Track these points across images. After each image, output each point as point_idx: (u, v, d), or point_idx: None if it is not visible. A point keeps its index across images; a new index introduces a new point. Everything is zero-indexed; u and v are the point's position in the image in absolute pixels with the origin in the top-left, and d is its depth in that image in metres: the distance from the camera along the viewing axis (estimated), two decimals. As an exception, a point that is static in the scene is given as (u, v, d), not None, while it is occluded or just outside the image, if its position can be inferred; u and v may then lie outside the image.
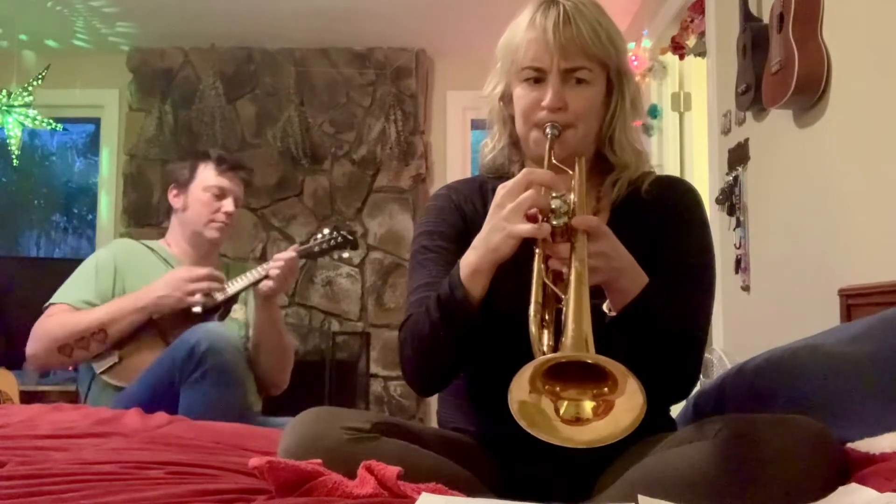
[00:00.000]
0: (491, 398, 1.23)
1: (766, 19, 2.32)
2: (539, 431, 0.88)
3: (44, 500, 0.89)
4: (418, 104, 4.75)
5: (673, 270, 1.20)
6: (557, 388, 0.90)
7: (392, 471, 0.92)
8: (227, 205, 2.25)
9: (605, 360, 0.86)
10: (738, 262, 2.62)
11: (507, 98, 1.29)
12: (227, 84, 4.67)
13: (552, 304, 1.02)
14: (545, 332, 0.99)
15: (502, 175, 1.32)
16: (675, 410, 1.43)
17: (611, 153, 1.29)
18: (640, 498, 0.88)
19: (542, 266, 1.03)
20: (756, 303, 2.55)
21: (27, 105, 4.19)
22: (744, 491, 0.93)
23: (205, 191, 2.24)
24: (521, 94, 1.24)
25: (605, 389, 0.89)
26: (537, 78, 1.22)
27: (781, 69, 2.12)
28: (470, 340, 1.17)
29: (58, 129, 4.40)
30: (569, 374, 0.90)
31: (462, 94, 4.75)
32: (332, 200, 4.65)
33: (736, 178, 2.64)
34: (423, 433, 1.16)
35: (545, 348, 0.98)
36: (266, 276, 2.13)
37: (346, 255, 2.30)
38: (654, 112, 3.71)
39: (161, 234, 2.38)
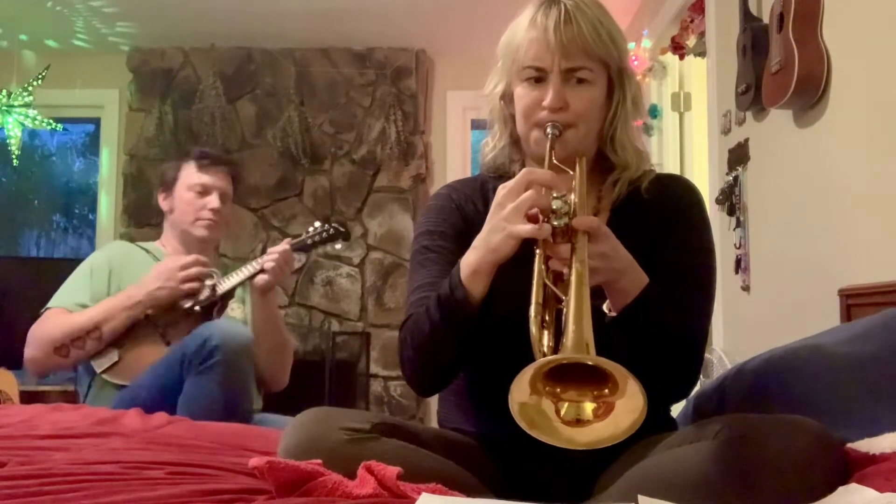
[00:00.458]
0: (491, 398, 1.23)
1: (766, 19, 2.32)
2: (539, 433, 0.88)
3: (44, 500, 0.89)
4: (418, 104, 4.75)
5: (673, 270, 1.20)
6: (558, 390, 0.90)
7: (392, 471, 0.92)
8: (212, 201, 2.23)
9: (605, 362, 0.86)
10: (738, 262, 2.62)
11: (507, 97, 1.29)
12: (227, 84, 4.67)
13: (552, 304, 1.02)
14: (545, 332, 0.99)
15: (503, 174, 1.32)
16: (676, 410, 1.42)
17: (612, 153, 1.29)
18: (640, 498, 0.88)
19: (543, 267, 1.03)
20: (756, 303, 2.55)
21: (27, 105, 4.19)
22: (744, 491, 0.93)
23: (188, 190, 2.24)
24: (522, 94, 1.24)
25: (606, 391, 0.89)
26: (538, 77, 1.22)
27: (781, 69, 2.12)
28: (470, 341, 1.17)
29: (58, 129, 4.40)
30: (569, 376, 0.90)
31: (462, 94, 4.75)
32: (332, 200, 4.65)
33: (736, 178, 2.64)
34: (423, 433, 1.16)
35: (545, 349, 0.98)
36: (262, 270, 2.13)
37: (338, 246, 2.31)
38: (654, 112, 3.71)
39: (161, 233, 2.38)
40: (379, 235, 4.67)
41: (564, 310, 0.97)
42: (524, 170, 1.11)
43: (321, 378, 4.20)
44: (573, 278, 0.98)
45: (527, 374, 0.87)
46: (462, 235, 1.27)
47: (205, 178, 2.24)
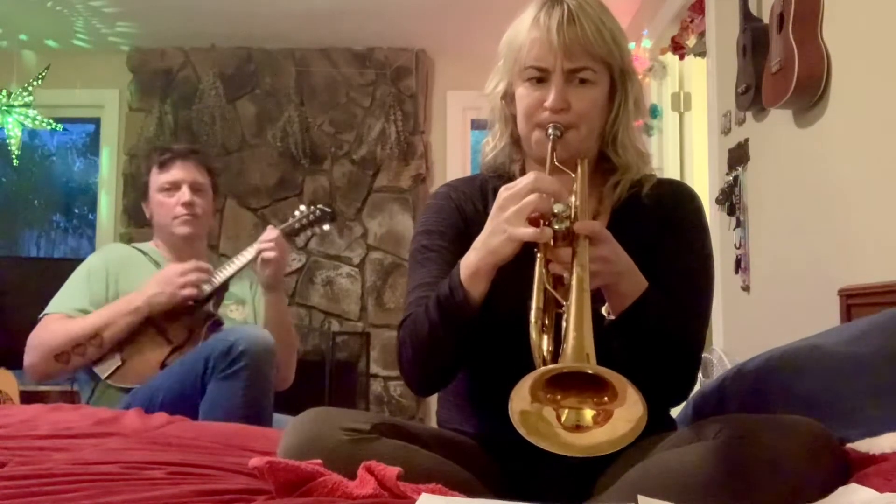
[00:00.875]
0: (491, 399, 1.23)
1: (766, 19, 2.32)
2: (540, 439, 0.88)
3: (44, 500, 0.89)
4: (418, 104, 4.75)
5: (672, 275, 1.20)
6: (558, 396, 0.90)
7: (392, 471, 0.92)
8: (182, 195, 2.21)
9: (605, 372, 0.86)
10: (738, 262, 2.62)
11: (508, 97, 1.28)
12: (227, 84, 4.67)
13: (552, 308, 1.02)
14: (545, 337, 0.99)
15: (503, 174, 1.32)
16: (675, 410, 1.42)
17: (613, 153, 1.28)
18: (640, 498, 0.88)
19: (544, 270, 1.03)
20: (756, 303, 2.55)
21: (27, 105, 4.20)
22: (744, 492, 0.93)
23: (158, 192, 2.23)
24: (524, 94, 1.23)
25: (606, 398, 0.89)
26: (540, 78, 1.21)
27: (781, 69, 2.12)
28: (469, 341, 1.17)
29: (58, 129, 4.40)
30: (570, 383, 0.90)
31: (462, 94, 4.75)
32: (332, 200, 4.65)
33: (736, 178, 2.64)
34: (423, 433, 1.16)
35: (545, 354, 0.98)
36: (256, 259, 2.14)
37: (326, 227, 2.32)
38: (654, 112, 3.71)
39: (156, 234, 2.38)
40: (379, 235, 4.67)
41: (565, 315, 0.97)
42: (531, 174, 1.10)
43: (321, 378, 4.20)
44: (574, 283, 0.98)
45: (527, 382, 0.87)
46: (461, 235, 1.27)
47: (170, 176, 2.23)
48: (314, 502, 0.88)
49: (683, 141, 3.66)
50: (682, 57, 3.41)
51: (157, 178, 2.24)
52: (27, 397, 3.41)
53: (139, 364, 2.06)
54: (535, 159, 1.27)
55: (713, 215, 2.74)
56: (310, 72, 4.73)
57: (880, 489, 0.87)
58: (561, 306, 1.00)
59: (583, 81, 1.20)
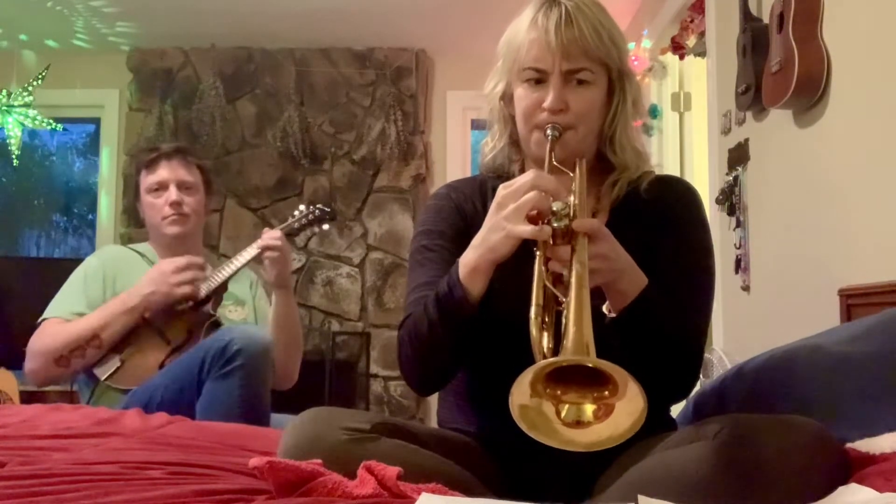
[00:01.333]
0: (490, 398, 1.24)
1: (766, 19, 2.32)
2: (539, 434, 0.88)
3: (44, 500, 0.89)
4: (418, 104, 4.75)
5: (672, 271, 1.20)
6: (558, 392, 0.90)
7: (392, 471, 0.92)
8: (169, 194, 2.20)
9: (606, 365, 0.86)
10: (738, 262, 2.62)
11: (507, 97, 1.29)
12: (227, 84, 4.67)
13: (552, 306, 1.02)
14: (545, 334, 0.99)
15: (502, 174, 1.32)
16: (675, 410, 1.43)
17: (611, 153, 1.29)
18: (640, 498, 0.88)
19: (543, 268, 1.03)
20: (756, 303, 2.55)
21: (27, 105, 4.20)
22: (744, 491, 0.93)
23: (147, 193, 2.23)
24: (523, 95, 1.24)
25: (606, 393, 0.89)
26: (539, 79, 1.21)
27: (781, 69, 2.12)
28: (468, 339, 1.17)
29: (58, 129, 4.40)
30: (570, 378, 0.90)
31: (462, 94, 4.75)
32: (332, 200, 4.65)
33: (736, 178, 2.64)
34: (423, 433, 1.16)
35: (545, 351, 0.98)
36: (258, 257, 2.14)
37: (325, 227, 2.33)
38: (654, 112, 3.71)
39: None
40: (379, 235, 4.67)
41: (564, 311, 0.97)
42: (531, 172, 1.10)
43: (321, 378, 4.20)
44: (573, 280, 0.98)
45: (527, 376, 0.87)
46: (461, 235, 1.27)
47: (156, 176, 2.22)
48: (314, 502, 0.88)
49: (683, 141, 3.66)
50: (682, 57, 3.41)
51: (146, 179, 2.24)
52: (27, 397, 3.41)
53: (138, 365, 2.06)
54: (534, 159, 1.27)
55: (713, 215, 2.74)
56: (310, 72, 4.73)
57: (880, 489, 0.87)
58: (560, 303, 1.01)
59: (581, 82, 1.21)
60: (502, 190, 1.10)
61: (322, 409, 1.11)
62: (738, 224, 2.62)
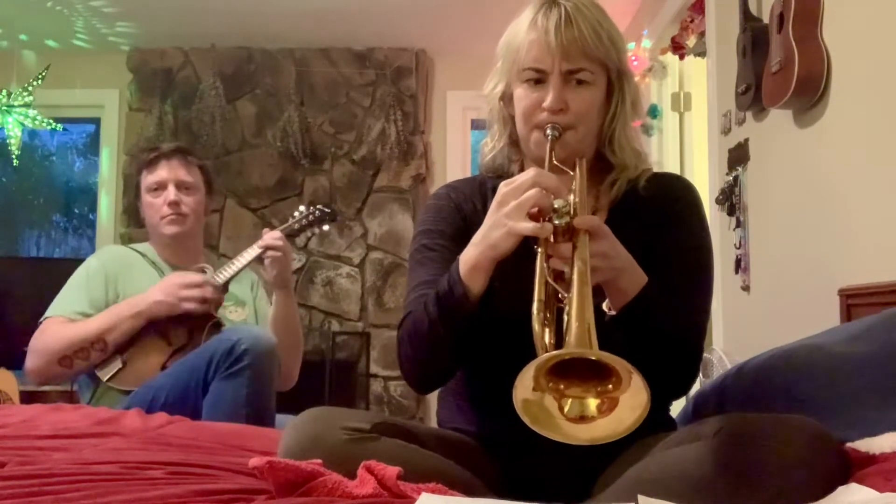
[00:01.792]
0: (490, 398, 1.24)
1: (766, 19, 2.32)
2: (541, 428, 0.88)
3: (44, 500, 0.89)
4: (418, 104, 4.75)
5: (671, 268, 1.20)
6: (561, 386, 0.90)
7: (392, 471, 0.92)
8: (168, 194, 2.20)
9: (608, 357, 0.86)
10: (738, 262, 2.62)
11: (507, 98, 1.29)
12: (227, 84, 4.67)
13: (553, 302, 1.02)
14: (547, 330, 0.99)
15: (502, 175, 1.32)
16: (675, 410, 1.43)
17: (610, 153, 1.29)
18: (640, 498, 0.88)
19: (545, 265, 1.03)
20: (756, 303, 2.55)
21: (27, 105, 4.19)
22: (743, 491, 0.93)
23: (146, 193, 2.24)
24: (522, 96, 1.24)
25: (610, 386, 0.89)
26: (538, 79, 1.22)
27: (781, 69, 2.12)
28: (468, 337, 1.17)
29: (58, 129, 4.40)
30: (573, 372, 0.90)
31: (462, 94, 4.75)
32: (332, 200, 4.65)
33: (736, 178, 2.64)
34: (423, 433, 1.16)
35: (547, 346, 0.98)
36: (259, 259, 2.14)
37: (326, 227, 2.33)
38: (654, 112, 3.71)
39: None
40: (379, 235, 4.67)
41: (567, 307, 0.97)
42: (532, 170, 1.10)
43: (321, 378, 4.20)
44: (575, 276, 0.98)
45: (530, 369, 0.87)
46: (461, 235, 1.27)
47: (155, 176, 2.22)
48: (314, 502, 0.88)
49: (683, 141, 3.66)
50: (682, 57, 3.41)
51: (145, 179, 2.25)
52: (27, 397, 3.41)
53: (140, 366, 2.06)
54: (534, 160, 1.27)
55: (713, 215, 2.74)
56: (310, 72, 4.73)
57: (880, 489, 0.87)
58: (562, 300, 1.01)
59: (580, 82, 1.21)
60: (503, 187, 1.10)
61: (322, 409, 1.11)
62: (738, 224, 2.62)
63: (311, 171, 4.68)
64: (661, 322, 1.12)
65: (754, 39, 2.34)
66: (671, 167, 3.59)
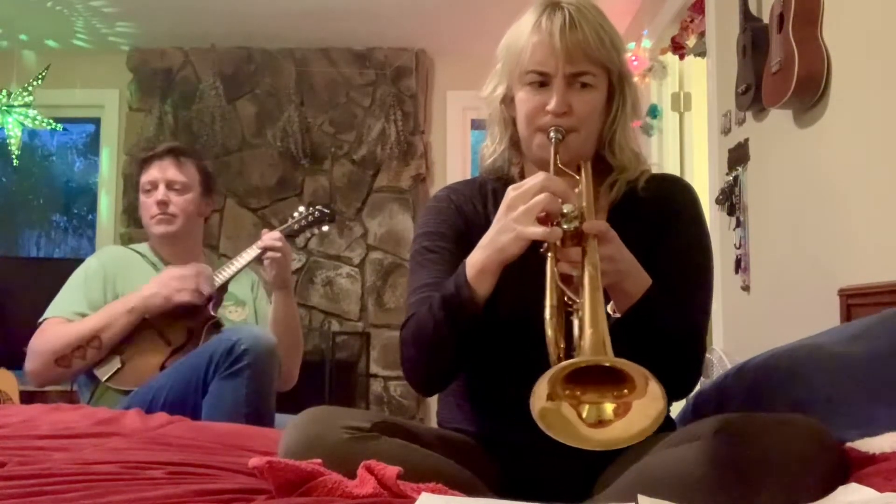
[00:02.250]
0: (491, 399, 1.24)
1: (766, 19, 2.32)
2: (558, 434, 0.88)
3: (44, 500, 0.89)
4: (418, 104, 4.75)
5: (671, 270, 1.20)
6: (578, 393, 0.90)
7: (392, 471, 0.92)
8: (157, 194, 2.20)
9: (624, 363, 0.87)
10: (738, 262, 2.62)
11: (508, 100, 1.29)
12: (227, 84, 4.67)
13: (563, 307, 1.02)
14: (560, 335, 0.99)
15: (502, 177, 1.33)
16: (675, 410, 1.43)
17: (610, 155, 1.29)
18: (640, 498, 0.88)
19: (555, 269, 1.03)
20: (756, 303, 2.55)
21: (27, 105, 4.19)
22: (742, 490, 0.93)
23: (141, 194, 2.25)
24: (525, 98, 1.24)
25: (625, 391, 0.89)
26: (542, 82, 1.22)
27: (781, 69, 2.12)
28: (473, 340, 1.17)
29: (58, 129, 4.40)
30: (587, 378, 0.90)
31: (462, 94, 4.75)
32: (332, 200, 4.65)
33: (736, 178, 2.64)
34: (423, 433, 1.16)
35: (561, 352, 0.98)
36: (259, 258, 2.14)
37: (325, 228, 2.34)
38: (654, 112, 3.71)
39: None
40: (379, 235, 4.67)
41: (579, 312, 0.97)
42: (540, 174, 1.10)
43: (321, 378, 4.20)
44: (586, 281, 0.98)
45: (546, 378, 0.87)
46: (462, 236, 1.27)
47: (147, 176, 2.24)
48: (314, 502, 0.88)
49: (683, 141, 3.66)
50: (682, 57, 3.40)
51: (140, 180, 2.26)
52: (27, 397, 3.41)
53: (139, 366, 2.06)
54: (535, 162, 1.27)
55: (713, 215, 2.74)
56: (310, 72, 4.73)
57: (880, 489, 0.87)
58: (570, 305, 1.01)
59: (584, 85, 1.22)
60: (511, 191, 1.10)
61: (322, 409, 1.11)
62: (738, 224, 2.62)
63: (311, 171, 4.68)
64: (665, 323, 1.12)
65: (754, 39, 2.34)
66: (671, 167, 3.59)
